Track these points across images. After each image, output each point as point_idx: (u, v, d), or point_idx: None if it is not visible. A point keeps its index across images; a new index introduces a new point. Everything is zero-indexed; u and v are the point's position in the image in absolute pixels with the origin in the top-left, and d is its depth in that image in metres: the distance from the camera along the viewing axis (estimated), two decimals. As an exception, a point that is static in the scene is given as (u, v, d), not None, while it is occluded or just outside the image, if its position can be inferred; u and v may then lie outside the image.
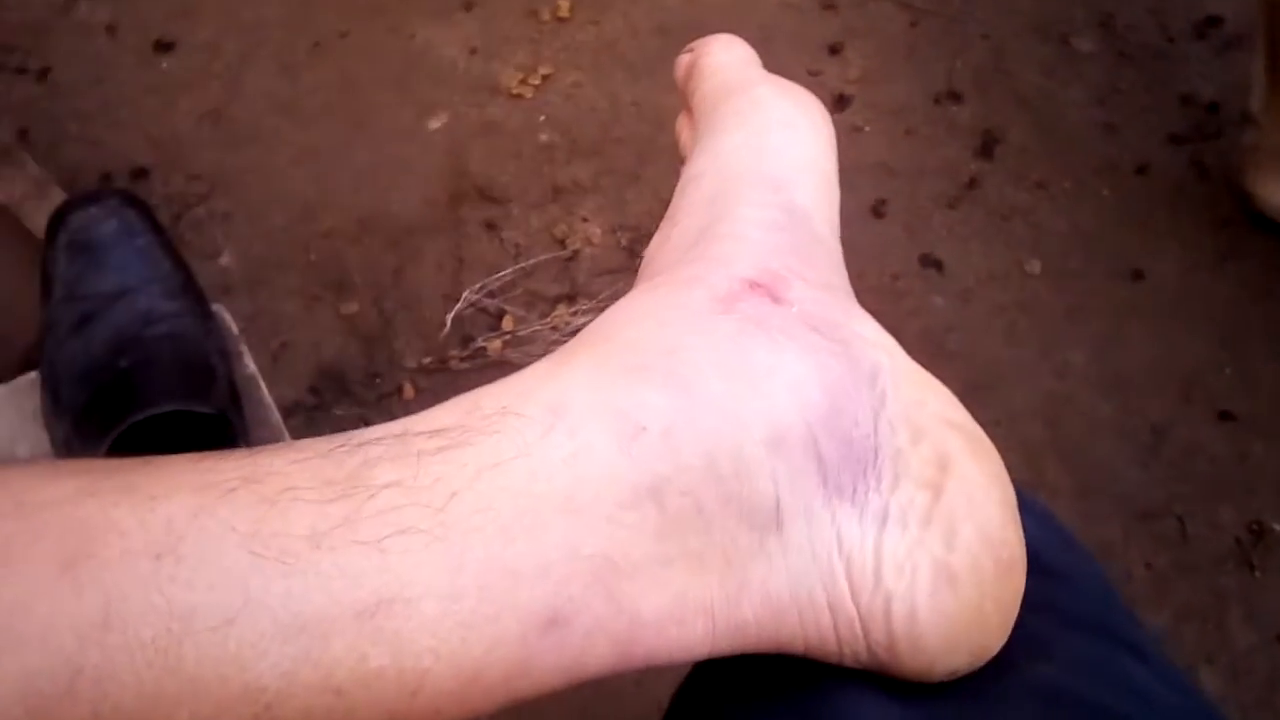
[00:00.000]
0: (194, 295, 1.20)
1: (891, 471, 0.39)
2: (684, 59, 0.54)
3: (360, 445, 0.34)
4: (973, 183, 1.50)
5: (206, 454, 0.34)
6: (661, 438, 0.36)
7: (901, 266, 1.44)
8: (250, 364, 1.00)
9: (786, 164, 0.46)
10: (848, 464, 0.38)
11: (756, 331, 0.39)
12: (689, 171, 0.48)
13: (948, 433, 0.40)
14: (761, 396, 0.37)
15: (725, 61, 0.52)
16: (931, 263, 1.44)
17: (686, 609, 0.36)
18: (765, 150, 0.47)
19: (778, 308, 0.40)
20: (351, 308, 1.39)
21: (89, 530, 0.30)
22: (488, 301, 1.40)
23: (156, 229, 1.19)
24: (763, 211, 0.44)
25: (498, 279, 1.41)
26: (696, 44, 0.54)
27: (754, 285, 0.41)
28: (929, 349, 1.36)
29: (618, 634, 0.35)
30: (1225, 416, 1.36)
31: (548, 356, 0.40)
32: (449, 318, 1.38)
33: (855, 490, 0.38)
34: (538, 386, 0.38)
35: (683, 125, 0.55)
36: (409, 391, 1.34)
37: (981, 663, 0.40)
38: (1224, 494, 1.32)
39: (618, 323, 0.41)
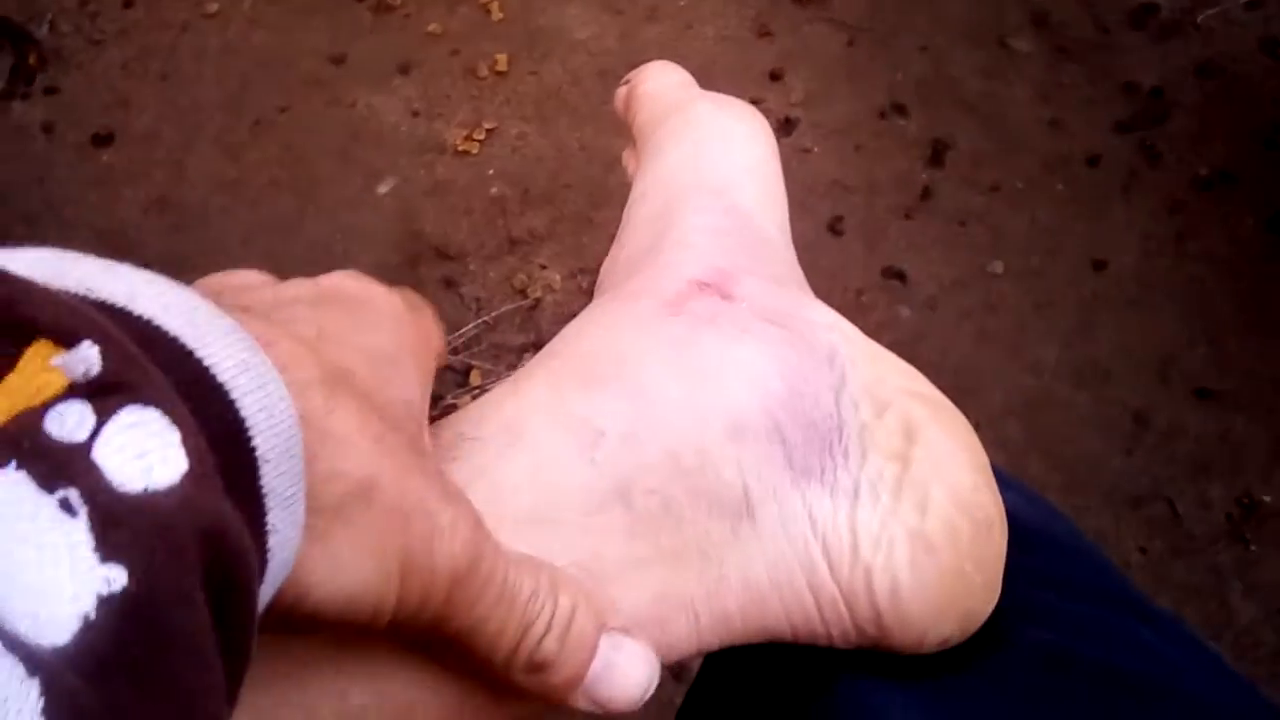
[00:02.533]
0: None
1: (858, 447, 0.38)
2: (622, 91, 0.54)
3: None
4: (926, 192, 1.50)
5: None
6: (622, 441, 0.36)
7: (865, 281, 1.44)
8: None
9: (726, 171, 0.46)
10: (813, 445, 0.38)
11: (708, 328, 0.39)
12: (634, 193, 0.48)
13: (911, 403, 0.40)
14: (718, 390, 0.37)
15: (661, 86, 0.52)
16: (894, 275, 1.44)
17: (667, 608, 0.35)
18: (704, 162, 0.47)
19: (728, 304, 0.40)
20: (317, 378, 1.38)
21: None
22: (453, 359, 1.39)
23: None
24: (707, 217, 0.44)
25: (461, 335, 1.40)
26: (632, 74, 0.55)
27: (703, 285, 0.40)
28: (901, 359, 1.35)
29: None
30: (1203, 394, 1.36)
31: (503, 382, 0.40)
32: (416, 378, 1.36)
33: (823, 470, 0.37)
34: (493, 410, 0.37)
35: (629, 157, 0.55)
36: (383, 456, 1.32)
37: (973, 628, 0.39)
38: (1211, 472, 1.32)
39: (569, 339, 0.41)
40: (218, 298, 0.25)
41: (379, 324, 0.31)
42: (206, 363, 0.21)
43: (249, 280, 0.30)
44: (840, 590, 0.37)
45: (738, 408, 0.37)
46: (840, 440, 0.38)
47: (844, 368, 0.40)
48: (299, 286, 0.30)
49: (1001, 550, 0.39)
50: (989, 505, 0.39)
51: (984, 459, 0.40)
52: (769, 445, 0.37)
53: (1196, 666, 0.41)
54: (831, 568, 0.37)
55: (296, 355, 0.25)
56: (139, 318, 0.21)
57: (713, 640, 0.37)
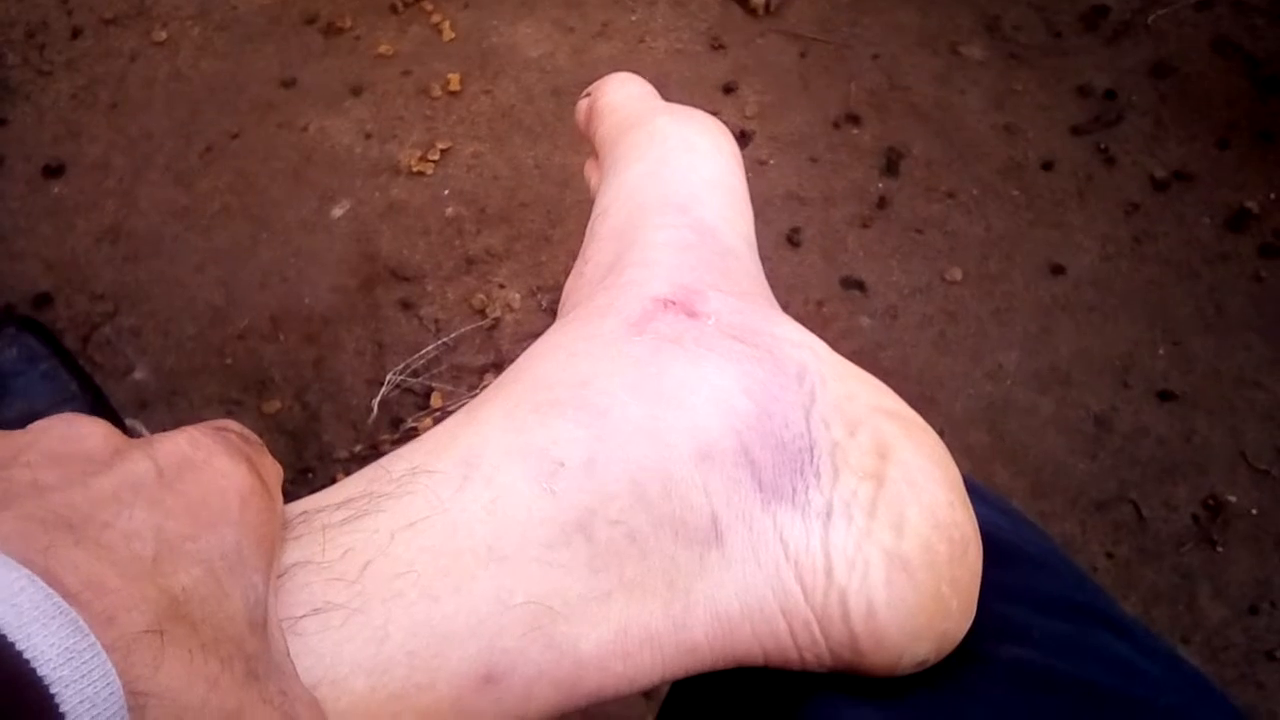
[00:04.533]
0: (106, 413, 1.17)
1: (830, 466, 0.38)
2: (583, 104, 0.54)
3: None
4: (883, 201, 1.50)
5: None
6: (583, 470, 0.35)
7: (824, 292, 1.43)
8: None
9: (690, 185, 0.46)
10: (783, 466, 0.37)
11: (672, 349, 0.38)
12: (596, 209, 0.47)
13: (883, 420, 0.39)
14: (683, 413, 0.36)
15: (621, 98, 0.52)
16: (853, 284, 1.44)
17: (629, 642, 0.35)
18: (667, 175, 0.46)
19: (693, 322, 0.39)
20: (274, 405, 1.36)
21: None
22: (413, 381, 1.37)
23: (59, 352, 1.16)
24: (670, 233, 0.43)
25: (421, 357, 1.39)
26: (593, 86, 0.54)
27: (668, 304, 0.40)
28: (863, 369, 1.35)
29: (559, 679, 0.34)
30: (1165, 396, 1.36)
31: (459, 410, 0.39)
32: (375, 403, 1.35)
33: (794, 491, 0.37)
34: (449, 441, 0.36)
35: (590, 170, 0.54)
36: (343, 483, 1.31)
37: (948, 649, 0.38)
38: (1175, 474, 1.31)
39: (529, 362, 0.40)
40: (52, 495, 0.26)
41: (222, 510, 0.29)
42: (28, 654, 0.22)
43: (91, 450, 0.29)
44: (815, 614, 0.36)
45: (704, 430, 0.36)
46: (812, 460, 0.37)
47: (814, 385, 0.39)
48: (139, 466, 0.28)
49: (977, 570, 0.39)
50: (965, 524, 0.38)
51: (957, 476, 0.40)
52: (737, 468, 0.36)
53: (1174, 681, 0.40)
54: (805, 591, 0.36)
55: (127, 600, 0.25)
56: None
57: (678, 670, 0.36)
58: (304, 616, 0.31)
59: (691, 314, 0.39)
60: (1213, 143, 1.54)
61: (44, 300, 1.43)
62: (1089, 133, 1.55)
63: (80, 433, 0.29)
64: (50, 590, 0.23)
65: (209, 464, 0.30)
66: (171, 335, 1.41)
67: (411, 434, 1.34)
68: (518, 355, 1.29)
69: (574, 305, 0.43)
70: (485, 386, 1.36)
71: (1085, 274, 1.45)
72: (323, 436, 1.35)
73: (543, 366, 0.39)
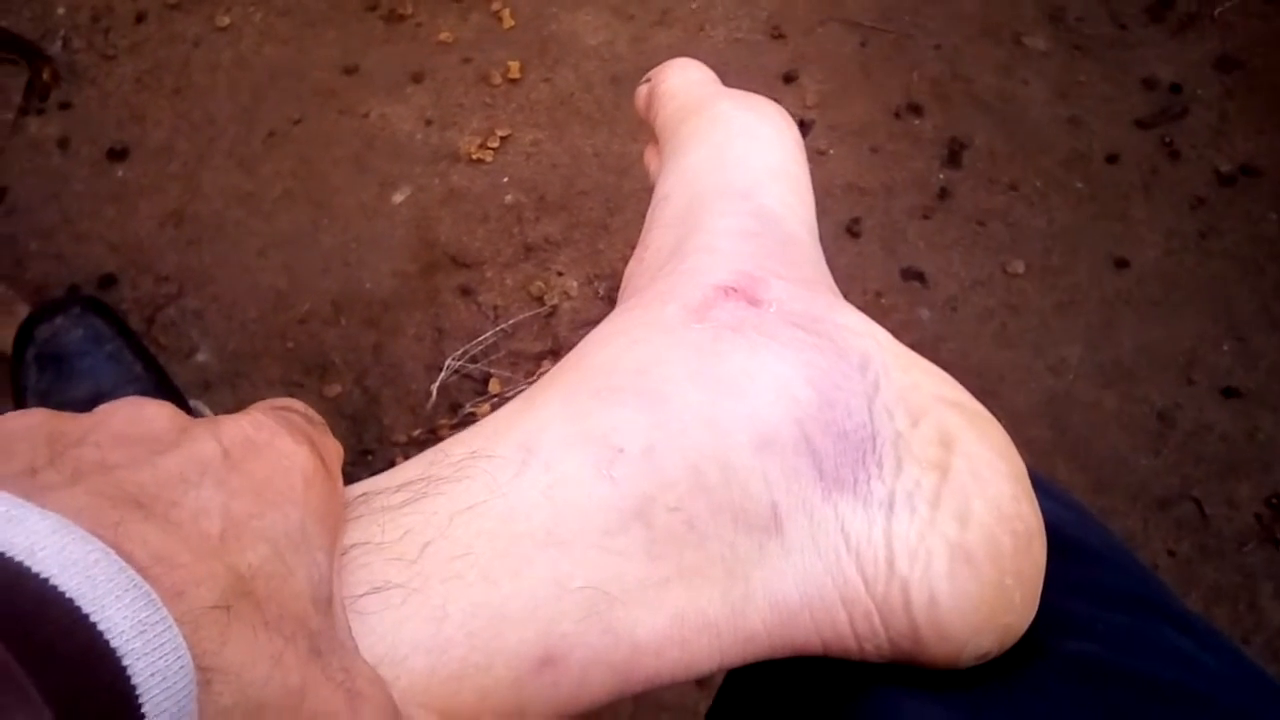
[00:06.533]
0: (170, 394, 1.18)
1: (893, 456, 0.37)
2: (642, 90, 0.54)
3: None
4: (944, 192, 1.49)
5: None
6: (642, 457, 0.35)
7: (884, 283, 1.42)
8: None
9: (752, 172, 0.45)
10: (845, 455, 0.37)
11: (733, 337, 0.38)
12: (657, 194, 0.47)
13: (947, 411, 0.39)
14: (743, 401, 0.36)
15: (682, 84, 0.52)
16: (914, 276, 1.43)
17: (687, 628, 0.35)
18: (729, 162, 0.46)
19: (754, 310, 0.39)
20: (335, 389, 1.37)
21: None
22: (471, 367, 1.38)
23: (125, 333, 1.17)
24: (732, 220, 0.43)
25: (479, 343, 1.40)
26: (653, 72, 0.54)
27: (729, 291, 0.40)
28: (935, 365, 1.34)
29: (616, 663, 0.34)
30: (1230, 393, 1.34)
31: (519, 394, 0.39)
32: (434, 388, 1.36)
33: (856, 481, 0.37)
34: (508, 426, 0.37)
35: (650, 156, 0.54)
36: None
37: (1011, 642, 0.38)
38: (1239, 471, 1.30)
39: (589, 348, 0.40)
40: (120, 473, 0.26)
41: (286, 490, 0.30)
42: (100, 627, 0.22)
43: (158, 431, 0.29)
44: (875, 604, 0.36)
45: (764, 418, 0.36)
46: (874, 450, 0.37)
47: (877, 375, 0.39)
48: (204, 447, 0.29)
49: (1041, 563, 0.38)
50: (1029, 517, 0.38)
51: (1022, 468, 0.39)
52: (797, 457, 0.36)
53: (1235, 677, 0.40)
54: (866, 582, 0.36)
55: (195, 576, 0.25)
56: (36, 575, 0.22)
57: (737, 658, 0.36)
58: (364, 595, 0.31)
59: (753, 301, 0.39)
60: (1280, 137, 1.52)
61: (109, 281, 1.45)
62: (1154, 126, 1.53)
63: (146, 414, 0.29)
64: (123, 563, 0.23)
65: (272, 445, 0.30)
66: (234, 318, 1.43)
67: (470, 419, 1.34)
68: (575, 342, 1.29)
69: (634, 291, 0.43)
70: (543, 373, 1.37)
71: (1149, 268, 1.43)
72: (382, 420, 1.36)
73: (602, 353, 0.39)
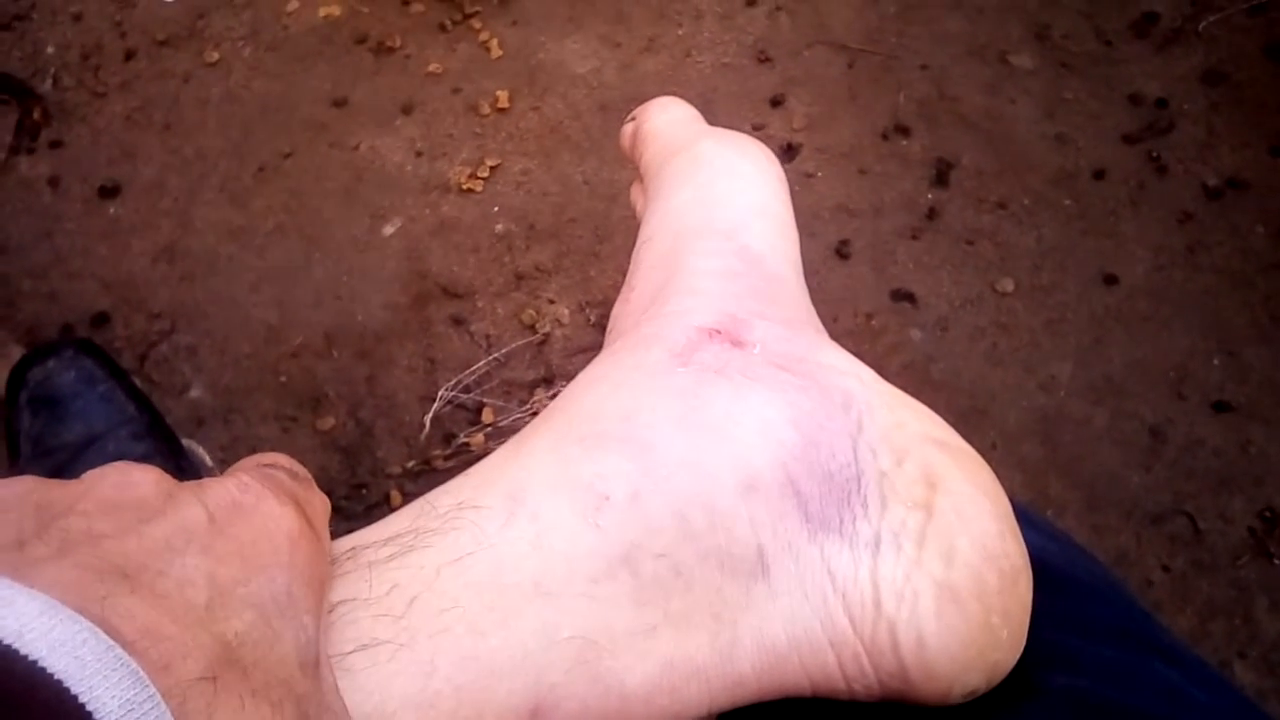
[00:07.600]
0: (162, 434, 1.18)
1: (878, 496, 0.37)
2: (627, 128, 0.54)
3: None
4: (932, 212, 1.50)
5: None
6: (628, 504, 0.35)
7: (874, 305, 1.43)
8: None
9: (736, 211, 0.45)
10: (830, 496, 0.37)
11: (717, 380, 0.38)
12: (641, 235, 0.47)
13: (932, 450, 0.39)
14: (727, 444, 0.36)
15: (666, 123, 0.52)
16: (903, 296, 1.43)
17: (676, 675, 0.35)
18: (712, 202, 0.46)
19: (739, 352, 0.39)
20: (328, 422, 1.37)
21: None
22: (465, 397, 1.38)
23: (117, 374, 1.18)
24: (716, 261, 0.43)
25: (472, 373, 1.40)
26: (637, 111, 0.54)
27: (713, 333, 0.40)
28: (914, 382, 1.34)
29: (606, 713, 0.34)
30: (1221, 407, 1.34)
31: (507, 442, 0.39)
32: (428, 419, 1.36)
33: (842, 521, 0.37)
34: (496, 475, 0.37)
35: (636, 193, 0.54)
36: (396, 498, 1.32)
37: (999, 679, 0.38)
38: (1231, 486, 1.30)
39: (575, 392, 0.40)
40: (107, 544, 0.27)
41: (272, 553, 0.30)
42: (89, 708, 0.22)
43: (144, 497, 0.29)
44: (864, 645, 0.36)
45: (749, 461, 0.36)
46: (859, 490, 0.37)
47: (861, 414, 0.39)
48: (190, 513, 0.29)
49: (1028, 601, 0.38)
50: (1015, 555, 0.38)
51: (1007, 506, 0.39)
52: (783, 499, 0.36)
53: (1225, 709, 0.40)
54: (854, 623, 0.36)
55: (182, 648, 0.25)
56: (24, 657, 0.22)
57: (726, 703, 0.36)
58: (352, 652, 0.31)
59: (737, 343, 0.39)
60: (1266, 150, 1.53)
61: (102, 319, 1.46)
62: (1141, 141, 1.54)
63: (133, 479, 0.30)
64: (111, 642, 0.23)
65: (258, 508, 0.31)
66: (227, 353, 1.43)
67: (464, 449, 1.34)
68: (568, 369, 1.30)
69: (620, 333, 0.43)
70: (536, 401, 1.37)
71: (1139, 284, 1.44)
72: (376, 452, 1.36)
73: (588, 398, 0.39)
